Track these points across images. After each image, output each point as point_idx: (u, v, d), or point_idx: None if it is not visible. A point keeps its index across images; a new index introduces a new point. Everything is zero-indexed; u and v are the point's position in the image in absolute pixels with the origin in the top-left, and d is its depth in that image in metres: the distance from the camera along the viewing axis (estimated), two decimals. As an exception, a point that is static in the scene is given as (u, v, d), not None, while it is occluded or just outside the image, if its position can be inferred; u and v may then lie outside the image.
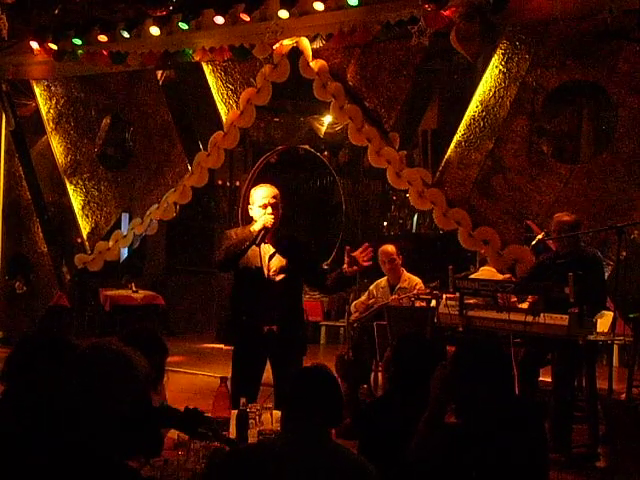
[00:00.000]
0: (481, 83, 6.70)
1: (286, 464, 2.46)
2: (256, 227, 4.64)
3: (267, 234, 4.68)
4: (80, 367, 2.60)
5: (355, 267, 4.58)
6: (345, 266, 4.59)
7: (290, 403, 2.63)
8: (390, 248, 7.16)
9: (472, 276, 6.56)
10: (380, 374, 6.78)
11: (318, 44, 7.23)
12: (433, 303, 6.24)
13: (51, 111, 9.21)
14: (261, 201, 4.70)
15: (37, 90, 9.24)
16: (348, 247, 4.66)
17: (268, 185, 4.84)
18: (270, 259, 4.73)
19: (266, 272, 4.70)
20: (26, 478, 2.50)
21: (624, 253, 5.39)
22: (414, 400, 3.16)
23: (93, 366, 2.60)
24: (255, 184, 5.24)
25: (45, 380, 2.75)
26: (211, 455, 3.01)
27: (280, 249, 4.75)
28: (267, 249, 4.75)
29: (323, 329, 10.99)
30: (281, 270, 4.72)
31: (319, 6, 7.07)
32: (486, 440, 2.78)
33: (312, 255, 5.07)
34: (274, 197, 4.71)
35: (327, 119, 10.51)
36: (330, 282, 4.78)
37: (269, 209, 4.67)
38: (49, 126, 9.22)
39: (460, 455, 2.79)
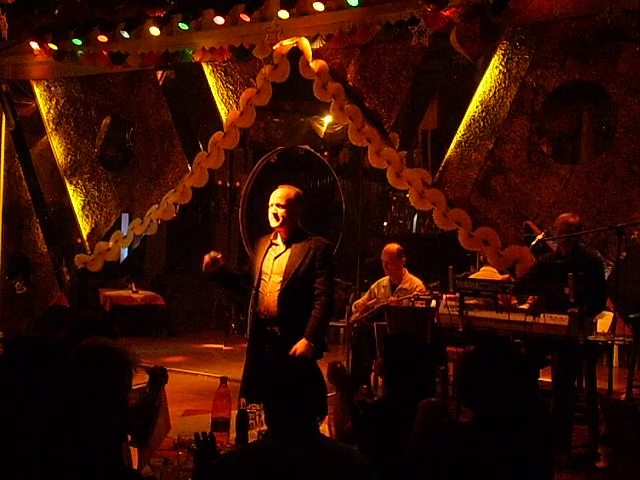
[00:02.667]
0: (481, 83, 6.70)
1: (277, 463, 2.42)
2: None
3: None
4: (78, 366, 2.61)
5: None
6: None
7: (271, 399, 2.58)
8: (394, 248, 7.17)
9: (472, 276, 6.57)
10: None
11: (318, 44, 7.23)
12: (433, 303, 6.24)
13: (51, 111, 9.21)
14: (270, 200, 4.79)
15: (37, 90, 9.24)
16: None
17: (285, 186, 4.87)
18: (276, 258, 4.75)
19: (276, 276, 4.72)
20: (25, 477, 2.50)
21: (624, 253, 5.39)
22: (411, 400, 3.15)
23: (91, 364, 2.61)
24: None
25: (38, 382, 2.74)
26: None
27: (298, 253, 4.75)
28: (274, 250, 4.77)
29: (323, 329, 10.98)
30: (291, 272, 4.72)
31: (319, 6, 7.07)
32: (496, 440, 2.77)
33: (329, 270, 4.96)
34: (282, 198, 4.76)
35: (327, 119, 10.51)
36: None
37: (273, 209, 4.73)
38: (49, 126, 9.22)
39: (467, 455, 2.78)
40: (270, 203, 4.78)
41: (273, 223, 4.75)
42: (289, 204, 4.74)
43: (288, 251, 4.76)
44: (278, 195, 4.78)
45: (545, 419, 3.22)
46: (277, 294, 4.71)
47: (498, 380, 2.83)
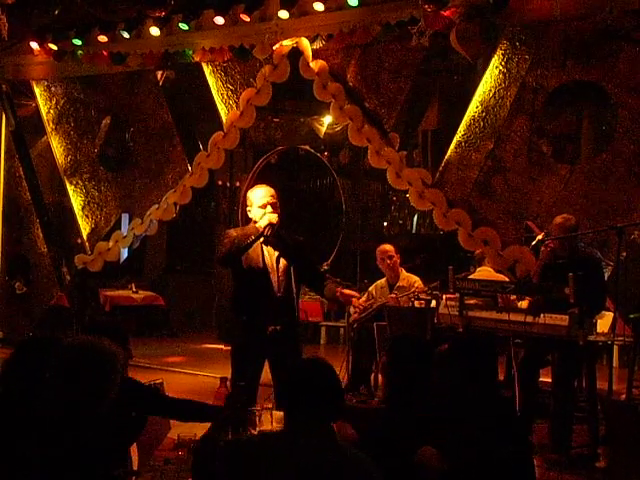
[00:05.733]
0: (481, 83, 6.70)
1: (287, 458, 2.41)
2: (262, 223, 4.67)
3: (273, 229, 4.69)
4: (68, 364, 2.61)
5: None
6: (339, 295, 4.95)
7: (289, 397, 2.57)
8: (388, 246, 7.21)
9: (470, 277, 6.56)
10: (380, 375, 6.78)
11: (318, 44, 7.23)
12: (433, 303, 6.24)
13: (51, 111, 9.22)
14: (260, 201, 4.73)
15: (37, 90, 9.25)
16: (340, 289, 4.98)
17: (264, 185, 4.88)
18: (277, 262, 4.73)
19: (275, 275, 4.71)
20: (25, 477, 2.50)
21: (624, 253, 5.39)
22: (413, 402, 3.15)
23: (80, 361, 2.62)
24: (254, 185, 5.25)
25: (42, 381, 2.75)
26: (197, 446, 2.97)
27: (282, 250, 4.76)
28: (271, 251, 4.75)
29: (323, 329, 10.99)
30: (286, 271, 4.74)
31: (319, 6, 7.07)
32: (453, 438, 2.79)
33: (312, 255, 5.08)
34: (272, 196, 4.74)
35: (327, 119, 10.50)
36: (326, 292, 4.97)
37: (269, 208, 4.69)
38: (49, 126, 9.22)
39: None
40: (263, 202, 4.72)
41: (275, 219, 4.71)
42: (277, 201, 4.78)
43: (277, 250, 4.77)
44: (268, 193, 4.76)
45: (510, 417, 3.19)
46: (283, 294, 4.72)
47: (450, 379, 2.86)
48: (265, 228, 4.66)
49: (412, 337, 3.96)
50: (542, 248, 5.70)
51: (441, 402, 2.99)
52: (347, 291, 5.06)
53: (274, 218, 4.67)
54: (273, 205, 4.71)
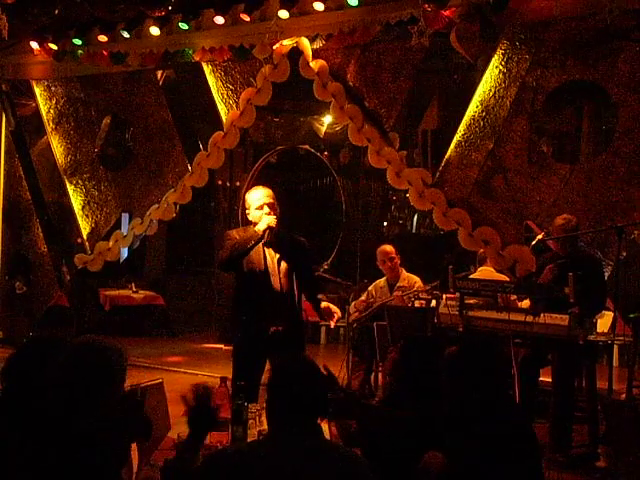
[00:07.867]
0: (481, 83, 6.70)
1: (274, 465, 2.38)
2: (261, 227, 4.70)
3: (272, 233, 4.71)
4: (74, 363, 2.61)
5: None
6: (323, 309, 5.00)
7: (272, 396, 2.53)
8: (389, 247, 7.21)
9: (471, 276, 6.56)
10: (380, 374, 6.79)
11: (318, 44, 7.23)
12: (433, 303, 6.24)
13: (51, 111, 9.21)
14: (258, 202, 4.76)
15: (37, 90, 9.25)
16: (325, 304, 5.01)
17: (261, 187, 4.91)
18: (279, 263, 4.75)
19: (276, 277, 4.72)
20: (23, 477, 2.50)
21: (624, 253, 5.39)
22: (419, 402, 3.15)
23: (89, 360, 2.62)
24: (254, 185, 5.27)
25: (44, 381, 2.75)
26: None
27: (282, 250, 4.77)
28: (273, 254, 4.77)
29: (323, 329, 10.98)
30: (287, 273, 4.75)
31: (319, 6, 7.07)
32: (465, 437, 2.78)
33: (311, 257, 5.09)
34: (269, 196, 4.77)
35: (327, 119, 10.51)
36: (314, 301, 5.03)
37: (266, 209, 4.72)
38: (49, 126, 9.22)
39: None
40: (261, 203, 4.76)
41: (274, 222, 4.73)
42: (275, 202, 4.80)
43: (277, 251, 4.77)
44: (266, 194, 4.80)
45: (519, 419, 3.19)
46: (285, 295, 4.73)
47: (462, 380, 2.86)
48: (264, 232, 4.69)
49: (425, 337, 3.96)
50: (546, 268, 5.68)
51: (449, 404, 2.99)
52: (327, 305, 5.05)
53: (272, 222, 4.70)
54: (270, 206, 4.73)
